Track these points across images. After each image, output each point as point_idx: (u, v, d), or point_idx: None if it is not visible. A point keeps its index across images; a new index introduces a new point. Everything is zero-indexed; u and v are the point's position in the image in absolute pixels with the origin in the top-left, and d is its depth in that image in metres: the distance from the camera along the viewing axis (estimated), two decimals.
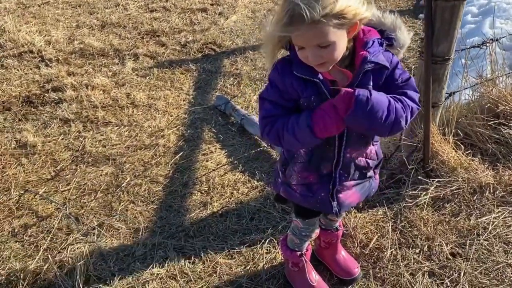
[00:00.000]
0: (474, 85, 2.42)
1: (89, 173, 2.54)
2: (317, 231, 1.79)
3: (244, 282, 1.85)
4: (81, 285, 1.84)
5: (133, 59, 3.68)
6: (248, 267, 1.93)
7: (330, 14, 1.08)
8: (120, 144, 2.76)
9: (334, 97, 1.23)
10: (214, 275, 1.91)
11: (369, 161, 1.45)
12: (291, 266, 1.80)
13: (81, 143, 2.76)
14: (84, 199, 2.36)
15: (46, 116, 3.01)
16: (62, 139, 2.81)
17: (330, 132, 1.25)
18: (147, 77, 3.44)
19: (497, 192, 2.15)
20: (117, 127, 2.90)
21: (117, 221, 2.22)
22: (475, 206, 2.10)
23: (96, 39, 3.98)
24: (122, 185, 2.43)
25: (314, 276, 1.79)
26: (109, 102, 3.14)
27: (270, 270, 1.90)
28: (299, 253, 1.76)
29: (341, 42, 1.15)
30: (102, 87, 3.28)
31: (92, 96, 3.16)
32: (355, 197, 1.50)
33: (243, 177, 2.46)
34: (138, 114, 3.02)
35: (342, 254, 1.88)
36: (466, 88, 2.38)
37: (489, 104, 2.39)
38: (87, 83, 3.31)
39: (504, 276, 1.80)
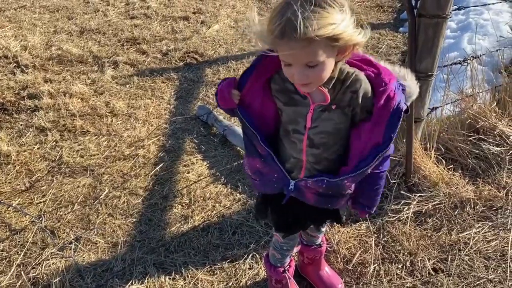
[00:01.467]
0: (455, 101, 2.45)
1: (66, 184, 2.46)
2: (298, 246, 1.77)
3: None
4: None
5: (112, 66, 3.61)
6: (230, 284, 1.89)
7: (325, 35, 1.04)
8: (98, 154, 2.69)
9: None
10: None
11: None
12: (274, 283, 1.77)
13: (58, 153, 2.68)
14: (60, 212, 2.28)
15: (21, 124, 2.92)
16: (38, 148, 2.72)
17: (224, 102, 1.30)
18: (127, 86, 3.38)
19: (477, 207, 2.17)
20: (96, 137, 2.83)
21: (95, 235, 2.15)
22: (456, 221, 2.12)
23: (74, 46, 3.90)
24: (100, 197, 2.36)
25: None
26: (87, 110, 3.06)
27: (252, 286, 1.87)
28: (281, 269, 1.74)
29: (329, 63, 1.13)
30: (81, 95, 3.20)
31: (70, 104, 3.07)
32: (311, 197, 1.40)
33: (225, 189, 2.43)
34: (118, 124, 2.96)
35: (326, 270, 1.86)
36: (448, 103, 2.41)
37: (469, 120, 2.42)
38: (64, 91, 3.23)
39: None
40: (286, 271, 1.73)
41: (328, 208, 1.44)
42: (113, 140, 2.80)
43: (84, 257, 2.03)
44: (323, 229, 1.77)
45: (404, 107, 1.20)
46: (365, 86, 1.22)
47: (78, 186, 2.44)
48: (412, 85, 1.26)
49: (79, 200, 2.35)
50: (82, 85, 3.31)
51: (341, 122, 1.27)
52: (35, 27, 4.23)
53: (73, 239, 2.12)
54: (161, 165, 2.60)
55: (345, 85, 1.21)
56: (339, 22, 1.05)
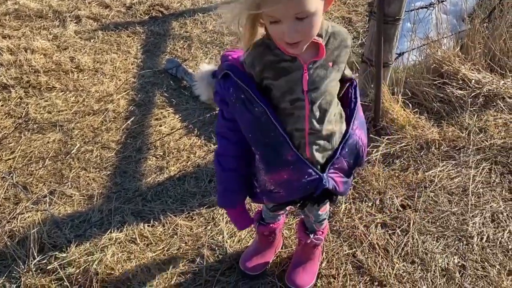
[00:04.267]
0: (420, 46, 2.51)
1: (35, 140, 2.41)
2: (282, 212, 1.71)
3: (206, 240, 1.87)
4: (35, 254, 1.78)
5: (75, 21, 3.47)
6: (209, 227, 1.94)
7: None
8: (66, 110, 2.63)
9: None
10: (175, 236, 1.90)
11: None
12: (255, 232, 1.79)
13: (24, 109, 2.60)
14: (31, 167, 2.24)
15: None
16: (2, 105, 2.63)
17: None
18: (92, 40, 3.27)
19: (442, 147, 2.28)
20: (63, 93, 2.76)
21: (69, 188, 2.14)
22: (422, 161, 2.22)
23: (32, 0, 3.70)
24: (72, 152, 2.33)
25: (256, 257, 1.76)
26: (51, 66, 2.96)
27: (231, 228, 1.92)
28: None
29: (318, 15, 1.06)
30: (43, 50, 3.08)
31: (33, 60, 2.96)
32: (340, 183, 1.35)
33: (199, 141, 2.44)
34: (84, 79, 2.88)
35: (305, 267, 1.73)
36: (414, 49, 2.47)
37: (434, 65, 2.50)
38: (25, 47, 3.10)
39: (449, 223, 1.94)
40: (271, 227, 1.71)
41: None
42: (81, 96, 2.74)
43: (60, 210, 2.02)
44: (325, 217, 1.65)
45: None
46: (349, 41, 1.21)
47: (48, 142, 2.40)
48: None
49: (50, 156, 2.31)
50: (44, 41, 3.18)
51: (336, 79, 1.23)
52: None
53: (47, 193, 2.10)
54: (132, 119, 2.57)
55: (338, 39, 1.17)
56: None
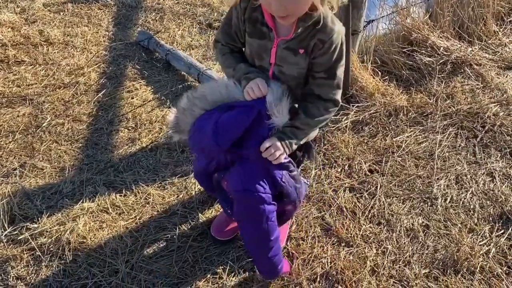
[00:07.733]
0: (390, 13, 2.53)
1: (4, 114, 2.37)
2: None
3: (178, 209, 1.89)
4: (6, 225, 1.78)
5: None
6: (181, 196, 1.96)
7: None
8: (36, 83, 2.59)
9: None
10: (147, 205, 1.92)
11: None
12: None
13: None
14: (1, 141, 2.22)
15: None
16: None
17: None
18: (61, 13, 3.20)
19: (410, 114, 2.32)
20: (32, 66, 2.71)
21: (40, 161, 2.13)
22: (390, 127, 2.27)
23: None
24: (43, 125, 2.31)
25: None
26: (20, 40, 2.89)
27: (202, 196, 1.95)
28: None
29: None
30: (10, 24, 3.01)
31: (0, 34, 2.89)
32: None
33: None
34: (54, 52, 2.83)
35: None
36: (383, 16, 2.48)
37: (403, 33, 2.53)
38: None
39: (414, 186, 2.00)
40: None
41: None
42: (51, 69, 2.69)
43: (31, 182, 2.02)
44: None
45: None
46: (337, 40, 1.19)
47: (18, 116, 2.37)
48: None
49: (20, 129, 2.29)
50: (11, 14, 3.11)
51: (304, 67, 1.25)
52: None
53: (17, 166, 2.09)
54: (104, 91, 2.55)
55: (316, 28, 1.18)
56: None
